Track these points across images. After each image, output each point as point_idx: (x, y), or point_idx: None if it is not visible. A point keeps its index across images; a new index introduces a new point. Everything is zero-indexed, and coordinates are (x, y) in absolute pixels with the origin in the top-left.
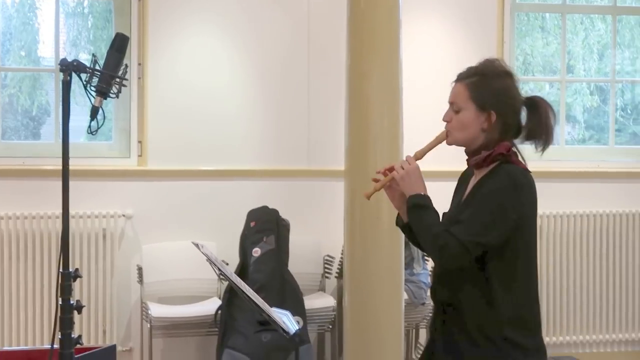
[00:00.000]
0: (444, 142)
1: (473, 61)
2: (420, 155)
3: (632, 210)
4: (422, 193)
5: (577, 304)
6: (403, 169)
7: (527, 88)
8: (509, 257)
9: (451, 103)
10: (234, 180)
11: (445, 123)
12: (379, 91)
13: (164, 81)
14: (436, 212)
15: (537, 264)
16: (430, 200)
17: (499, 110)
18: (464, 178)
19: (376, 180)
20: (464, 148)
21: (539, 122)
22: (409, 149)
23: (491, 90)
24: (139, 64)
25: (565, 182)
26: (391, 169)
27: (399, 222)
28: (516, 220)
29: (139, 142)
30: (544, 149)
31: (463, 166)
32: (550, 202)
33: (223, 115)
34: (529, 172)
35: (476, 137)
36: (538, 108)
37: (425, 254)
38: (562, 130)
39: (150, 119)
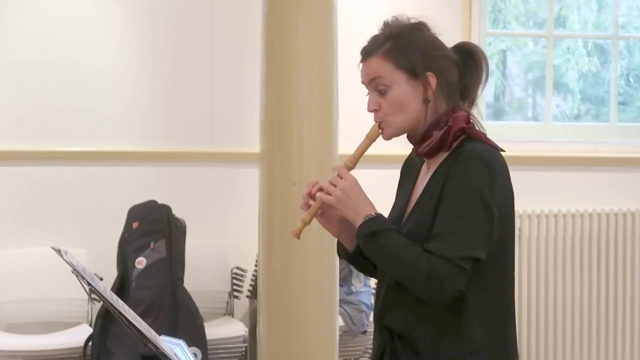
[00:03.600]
0: (380, 139)
1: (430, 9)
2: (352, 164)
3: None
4: (372, 214)
5: (566, 331)
6: (335, 187)
7: (501, 45)
8: (485, 266)
9: (371, 83)
10: (110, 166)
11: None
12: (307, 48)
13: (12, 31)
14: (399, 233)
15: (514, 275)
16: (385, 219)
17: (435, 68)
18: (409, 166)
19: (304, 208)
20: (406, 135)
21: (474, 75)
22: (345, 125)
23: (416, 47)
24: None
25: (552, 170)
26: (319, 189)
27: (341, 253)
28: (499, 217)
29: None
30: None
31: (409, 147)
32: (532, 197)
33: (95, 79)
34: (499, 148)
35: (420, 116)
36: (473, 56)
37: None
38: (548, 103)
39: None
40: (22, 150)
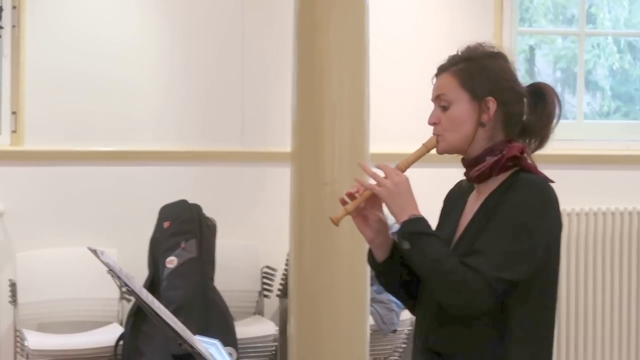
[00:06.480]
0: (434, 150)
1: (462, 9)
2: (404, 167)
3: None
4: (417, 215)
5: (605, 330)
6: (388, 180)
7: (529, 42)
8: (529, 287)
9: (437, 98)
10: (141, 166)
11: (432, 129)
12: (339, 47)
13: (48, 31)
14: (442, 241)
15: (557, 295)
16: (429, 224)
17: (498, 96)
18: (456, 195)
19: (345, 203)
20: (461, 157)
21: (541, 116)
22: (376, 125)
23: (485, 72)
24: (14, 7)
25: (582, 169)
26: (365, 189)
27: (371, 261)
28: (545, 249)
29: (13, 113)
30: (535, 150)
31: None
32: (563, 196)
33: (128, 80)
34: (551, 180)
35: (476, 138)
36: (544, 96)
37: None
38: (579, 100)
39: (29, 82)
40: (55, 150)
